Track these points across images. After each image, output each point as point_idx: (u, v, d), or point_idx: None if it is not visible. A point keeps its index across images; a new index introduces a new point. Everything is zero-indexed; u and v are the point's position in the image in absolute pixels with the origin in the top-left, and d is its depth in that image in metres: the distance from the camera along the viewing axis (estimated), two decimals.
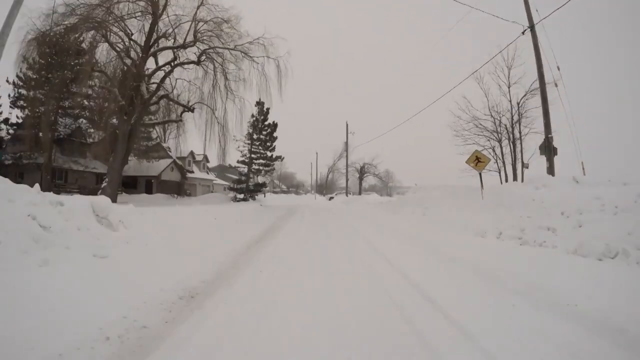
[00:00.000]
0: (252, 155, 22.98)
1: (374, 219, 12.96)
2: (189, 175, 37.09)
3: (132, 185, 30.28)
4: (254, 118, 22.14)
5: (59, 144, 27.87)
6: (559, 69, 14.27)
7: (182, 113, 21.98)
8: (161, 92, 20.60)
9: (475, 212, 9.28)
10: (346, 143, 36.41)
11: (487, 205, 9.35)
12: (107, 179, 18.29)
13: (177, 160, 36.39)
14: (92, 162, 29.48)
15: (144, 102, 19.75)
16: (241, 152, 22.67)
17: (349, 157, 37.55)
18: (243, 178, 22.51)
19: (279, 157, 23.26)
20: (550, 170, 12.34)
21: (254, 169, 23.13)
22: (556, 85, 14.20)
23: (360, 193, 38.18)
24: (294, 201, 40.07)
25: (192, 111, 21.20)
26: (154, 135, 32.60)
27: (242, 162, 22.62)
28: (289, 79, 17.68)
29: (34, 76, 26.28)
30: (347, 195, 36.56)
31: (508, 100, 18.56)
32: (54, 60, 24.33)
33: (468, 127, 18.34)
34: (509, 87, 18.61)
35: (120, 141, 18.55)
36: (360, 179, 38.49)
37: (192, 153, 38.64)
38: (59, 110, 27.91)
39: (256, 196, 23.52)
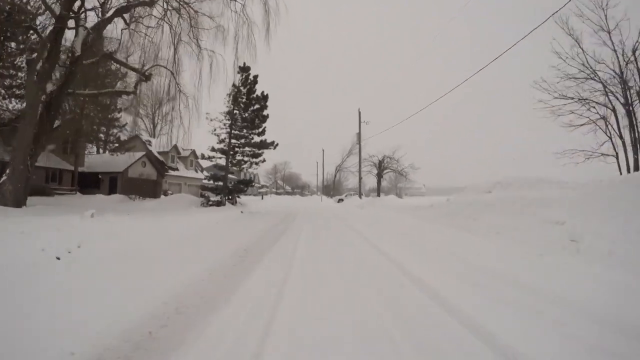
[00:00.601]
0: (234, 141, 16.52)
1: (451, 249, 6.50)
2: (172, 173, 31.17)
3: (93, 183, 24.41)
4: (235, 90, 15.75)
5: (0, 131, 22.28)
6: None
7: (137, 84, 15.97)
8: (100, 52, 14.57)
9: None
10: (359, 134, 29.90)
11: None
12: (7, 171, 12.21)
13: (158, 155, 30.57)
14: (44, 154, 23.58)
15: (75, 61, 13.74)
16: (218, 136, 16.27)
17: (361, 152, 31.02)
18: (220, 173, 16.13)
19: (271, 144, 16.70)
20: None
21: (236, 159, 16.67)
22: None
23: (379, 194, 31.21)
24: (296, 204, 33.70)
25: (148, 79, 15.14)
26: (123, 123, 26.77)
27: (220, 150, 16.12)
28: (282, 18, 11.44)
29: None
30: (360, 197, 29.96)
31: (611, 49, 12.10)
32: None
33: (559, 89, 11.86)
34: (609, 33, 12.18)
35: (27, 114, 12.48)
36: (379, 175, 31.12)
37: (175, 147, 32.67)
38: (2, 90, 22.37)
39: (239, 198, 17.06)
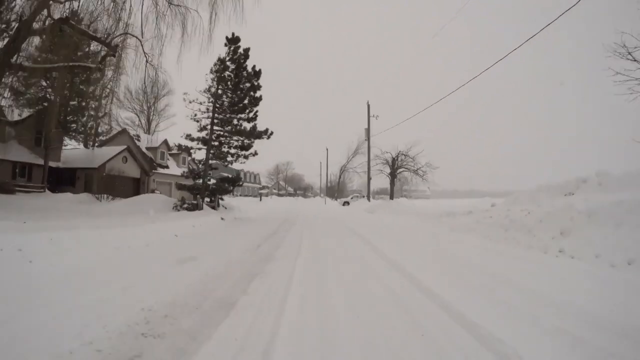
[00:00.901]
0: (217, 128, 13.54)
1: None
2: (161, 171, 28.34)
3: (69, 180, 21.66)
4: (220, 65, 12.65)
5: None
6: None
7: (102, 59, 13.16)
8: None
9: None
10: (367, 129, 26.85)
11: None
12: None
13: (146, 151, 27.81)
14: (13, 147, 20.86)
15: (23, 26, 10.96)
16: (198, 122, 13.12)
17: (370, 149, 27.89)
18: (198, 168, 13.03)
19: (264, 132, 13.23)
20: None
21: (222, 151, 13.42)
22: None
23: (391, 196, 27.57)
24: (297, 207, 30.71)
25: (114, 51, 12.32)
26: (102, 113, 23.98)
27: (200, 139, 12.92)
28: None
29: None
30: (369, 200, 26.80)
31: None
32: None
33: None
34: None
35: None
36: (393, 175, 27.18)
37: (166, 142, 29.92)
38: None
39: (222, 200, 13.84)
